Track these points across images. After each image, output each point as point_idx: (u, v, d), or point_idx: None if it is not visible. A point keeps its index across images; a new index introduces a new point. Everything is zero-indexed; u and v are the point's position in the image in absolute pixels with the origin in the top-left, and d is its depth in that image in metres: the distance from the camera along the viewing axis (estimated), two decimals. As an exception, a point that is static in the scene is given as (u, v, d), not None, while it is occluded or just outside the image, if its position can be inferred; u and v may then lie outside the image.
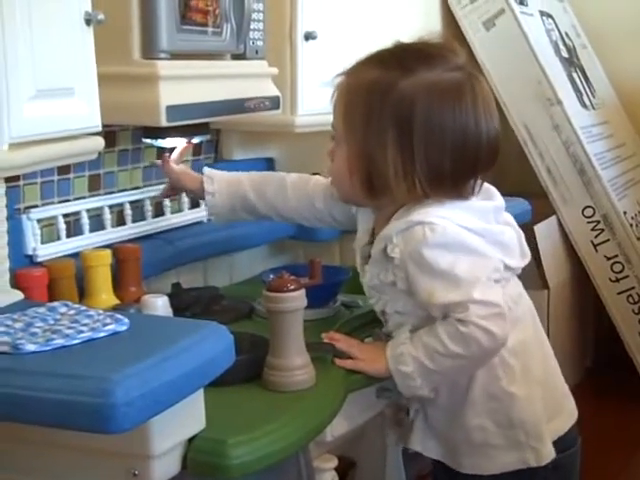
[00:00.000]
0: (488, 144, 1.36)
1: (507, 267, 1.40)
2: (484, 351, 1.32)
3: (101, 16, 1.28)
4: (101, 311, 1.19)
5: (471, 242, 1.34)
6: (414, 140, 1.32)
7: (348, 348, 1.41)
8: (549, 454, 1.39)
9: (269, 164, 2.11)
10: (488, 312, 1.31)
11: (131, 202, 1.69)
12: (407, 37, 2.86)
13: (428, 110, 1.32)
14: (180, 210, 1.82)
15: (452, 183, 1.35)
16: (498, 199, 1.45)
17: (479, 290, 1.31)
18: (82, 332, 1.09)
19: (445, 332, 1.31)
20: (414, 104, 1.32)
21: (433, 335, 1.33)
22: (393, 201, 1.37)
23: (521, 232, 1.48)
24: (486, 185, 1.43)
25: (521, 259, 1.44)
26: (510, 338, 1.34)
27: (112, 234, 1.63)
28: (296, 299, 1.31)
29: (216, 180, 1.60)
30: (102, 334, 1.10)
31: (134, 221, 1.69)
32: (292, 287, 1.32)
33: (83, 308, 1.20)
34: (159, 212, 1.76)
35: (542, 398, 1.40)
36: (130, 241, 1.63)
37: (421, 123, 1.31)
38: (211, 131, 1.95)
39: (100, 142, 1.35)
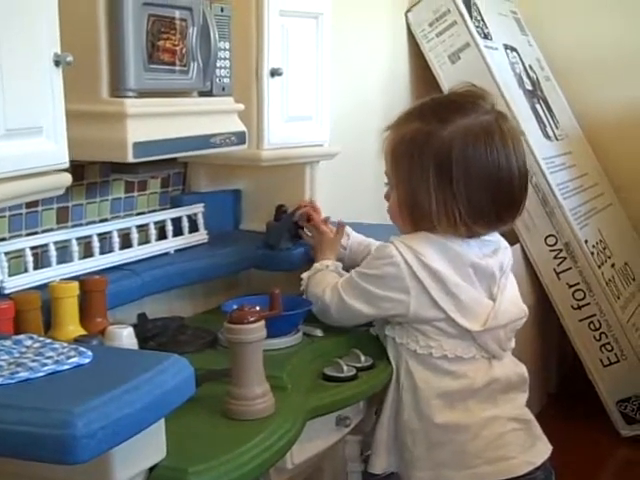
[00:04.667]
0: (520, 177, 1.55)
1: (455, 323, 1.54)
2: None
3: (70, 58, 1.31)
4: (65, 344, 1.21)
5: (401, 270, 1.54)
6: (453, 180, 1.50)
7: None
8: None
9: (236, 196, 2.15)
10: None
11: (99, 234, 1.72)
12: (375, 71, 2.91)
13: (463, 152, 1.50)
14: (147, 241, 1.85)
15: (494, 216, 1.54)
16: (491, 261, 1.58)
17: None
18: (46, 365, 1.11)
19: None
20: (451, 149, 1.50)
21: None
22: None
23: (503, 307, 1.58)
24: (503, 247, 1.64)
25: (479, 325, 1.54)
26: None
27: (79, 266, 1.65)
28: (256, 330, 1.35)
29: (351, 236, 1.89)
30: (66, 367, 1.12)
31: (101, 253, 1.71)
32: (252, 319, 1.36)
33: (48, 341, 1.22)
34: (126, 244, 1.79)
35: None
36: (97, 272, 1.65)
37: (458, 164, 1.49)
38: (179, 164, 1.99)
39: (67, 178, 1.37)
